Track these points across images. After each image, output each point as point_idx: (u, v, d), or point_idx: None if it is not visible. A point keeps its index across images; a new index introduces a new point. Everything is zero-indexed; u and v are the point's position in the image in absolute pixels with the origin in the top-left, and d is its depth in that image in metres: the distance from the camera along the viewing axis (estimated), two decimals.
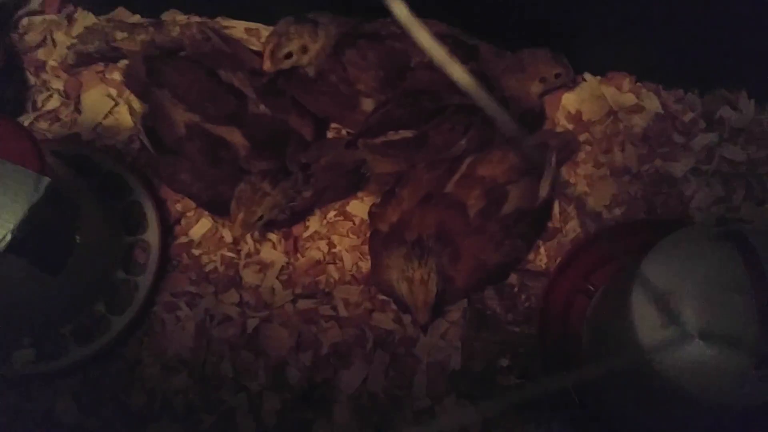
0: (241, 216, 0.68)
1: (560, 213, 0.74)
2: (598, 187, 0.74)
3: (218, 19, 0.81)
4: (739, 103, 0.75)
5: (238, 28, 0.80)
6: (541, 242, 0.73)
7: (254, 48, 0.77)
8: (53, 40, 0.83)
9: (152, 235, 0.74)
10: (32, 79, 0.83)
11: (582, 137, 0.76)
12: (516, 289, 0.71)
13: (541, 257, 0.72)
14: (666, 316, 0.50)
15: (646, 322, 0.51)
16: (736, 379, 0.48)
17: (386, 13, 0.78)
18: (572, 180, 0.74)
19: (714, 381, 0.48)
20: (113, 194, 0.75)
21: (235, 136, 0.71)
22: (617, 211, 0.73)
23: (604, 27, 0.72)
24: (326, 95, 0.72)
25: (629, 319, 0.51)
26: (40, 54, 0.83)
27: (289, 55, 0.70)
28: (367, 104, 0.72)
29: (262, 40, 0.78)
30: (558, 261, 0.70)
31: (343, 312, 0.72)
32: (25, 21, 0.84)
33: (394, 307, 0.72)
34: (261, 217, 0.69)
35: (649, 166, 0.74)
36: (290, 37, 0.70)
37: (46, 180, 0.59)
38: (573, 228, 0.73)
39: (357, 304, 0.73)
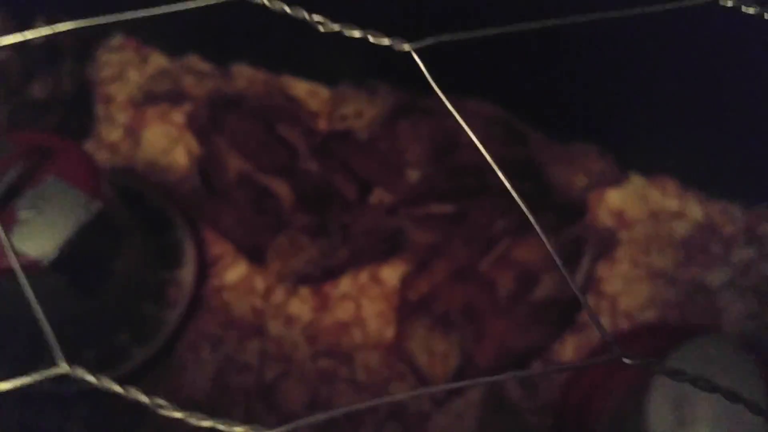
0: (276, 265, 0.70)
1: (592, 309, 0.73)
2: (632, 287, 0.73)
3: (283, 76, 0.84)
4: None
5: (300, 87, 0.83)
6: (568, 334, 0.72)
7: (313, 108, 0.80)
8: (126, 77, 0.88)
9: (187, 273, 0.75)
10: (101, 111, 0.87)
11: (621, 235, 0.76)
12: (537, 378, 0.70)
13: (567, 349, 0.71)
14: (681, 421, 0.50)
15: (662, 424, 0.50)
16: None
17: (443, 89, 0.80)
18: (607, 277, 0.74)
19: None
20: (157, 229, 0.77)
21: (282, 189, 0.73)
22: (649, 314, 0.72)
23: (656, 129, 0.73)
24: (374, 160, 0.74)
25: (645, 420, 0.51)
26: (112, 88, 0.87)
27: (344, 118, 0.73)
28: (413, 175, 0.74)
29: (321, 101, 0.82)
30: (584, 355, 0.70)
31: (361, 376, 0.72)
32: (103, 57, 0.89)
33: (412, 379, 0.71)
34: (295, 270, 0.70)
35: (685, 273, 0.74)
36: (348, 100, 0.72)
37: (98, 204, 0.62)
38: (604, 325, 0.72)
39: (376, 370, 0.72)
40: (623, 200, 0.77)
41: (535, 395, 0.69)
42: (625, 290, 0.74)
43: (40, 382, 0.63)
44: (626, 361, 0.20)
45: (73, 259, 0.61)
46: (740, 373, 0.50)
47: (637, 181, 0.78)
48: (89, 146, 0.85)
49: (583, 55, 0.71)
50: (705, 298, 0.72)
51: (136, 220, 0.76)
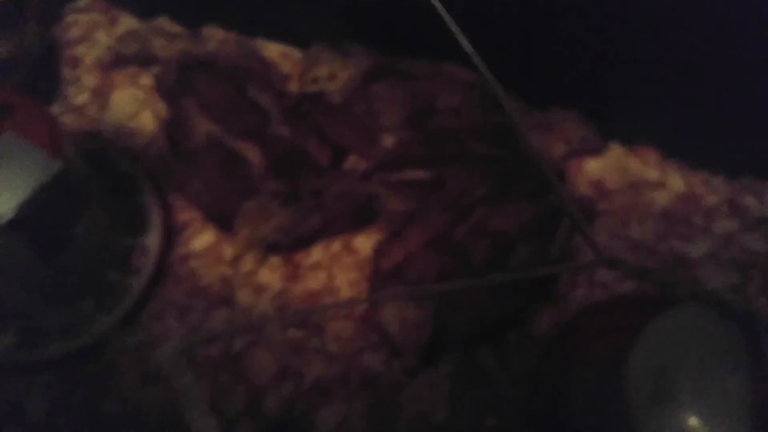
0: (245, 233, 0.68)
1: (568, 279, 0.71)
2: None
3: (255, 39, 0.82)
4: (765, 195, 0.74)
5: (273, 49, 0.81)
6: (544, 306, 0.70)
7: (285, 71, 0.78)
8: (94, 39, 0.85)
9: (153, 240, 0.73)
10: (67, 74, 0.84)
11: (600, 206, 0.74)
12: (513, 350, 0.68)
13: (543, 321, 0.70)
14: (660, 391, 0.48)
15: (640, 395, 0.48)
16: None
17: (419, 53, 0.78)
18: (585, 248, 0.72)
19: None
20: (123, 194, 0.74)
21: (252, 153, 0.70)
22: (628, 286, 0.71)
23: (637, 97, 0.71)
24: (348, 125, 0.72)
25: (622, 392, 0.49)
26: (79, 50, 0.85)
27: (316, 80, 0.70)
28: (388, 140, 0.71)
29: (293, 63, 0.79)
30: (559, 327, 0.68)
31: (332, 347, 0.70)
32: (70, 17, 0.86)
33: (385, 349, 0.69)
34: (265, 237, 0.68)
35: (665, 245, 0.72)
36: (320, 62, 0.70)
37: (58, 163, 0.59)
38: (580, 296, 0.71)
39: (348, 340, 0.70)
40: (602, 170, 0.75)
41: (509, 366, 0.67)
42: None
43: (7, 351, 0.60)
44: (611, 266, 0.18)
45: (33, 220, 0.58)
46: (724, 341, 0.48)
47: (617, 151, 0.76)
48: (55, 109, 0.82)
49: (564, 18, 0.69)
50: (685, 270, 0.71)
51: (101, 184, 0.73)
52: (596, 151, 0.74)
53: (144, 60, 0.82)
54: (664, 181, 0.75)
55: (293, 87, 0.73)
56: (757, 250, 0.72)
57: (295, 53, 0.80)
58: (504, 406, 0.66)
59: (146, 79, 0.82)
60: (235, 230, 0.69)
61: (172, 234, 0.75)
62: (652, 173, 0.75)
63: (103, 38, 0.85)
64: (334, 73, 0.71)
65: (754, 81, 0.67)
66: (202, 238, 0.75)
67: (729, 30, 0.65)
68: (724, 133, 0.71)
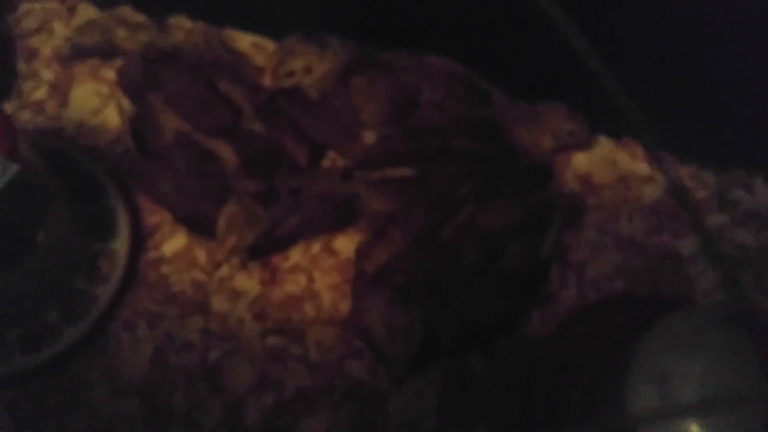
0: (232, 240, 0.65)
1: (558, 278, 0.69)
2: (601, 255, 0.70)
3: (225, 29, 0.77)
4: (755, 188, 0.72)
5: (244, 40, 0.77)
6: (534, 307, 0.68)
7: (258, 63, 0.74)
8: (51, 30, 0.80)
9: (121, 244, 0.69)
10: (22, 67, 0.79)
11: (589, 201, 0.72)
12: (503, 354, 0.66)
13: (534, 323, 0.67)
14: (663, 399, 0.46)
15: (642, 403, 0.46)
16: None
17: (401, 44, 0.75)
18: (574, 245, 0.70)
19: None
20: (87, 196, 0.70)
21: (225, 151, 0.67)
22: (619, 283, 0.69)
23: (626, 90, 0.69)
24: (327, 121, 0.68)
25: (623, 399, 0.47)
26: (35, 42, 0.80)
27: (291, 74, 0.66)
28: (369, 136, 0.68)
29: (267, 55, 0.75)
30: (551, 329, 0.66)
31: (314, 354, 0.67)
32: (24, 6, 0.81)
33: (370, 357, 0.66)
34: (249, 243, 0.65)
35: (655, 240, 0.70)
36: (295, 55, 0.66)
37: (15, 167, 0.55)
38: (570, 296, 0.68)
39: (330, 347, 0.67)
40: (591, 164, 0.73)
41: (500, 372, 0.65)
42: (592, 258, 0.70)
43: None
44: None
45: None
46: (730, 346, 0.46)
47: (606, 144, 0.74)
48: (11, 105, 0.77)
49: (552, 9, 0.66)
50: (676, 266, 0.69)
51: (63, 186, 0.69)
52: (584, 144, 0.72)
53: (106, 52, 0.77)
54: (653, 175, 0.73)
55: (267, 81, 0.70)
56: (748, 244, 0.70)
57: (269, 44, 0.76)
58: (495, 414, 0.64)
59: (108, 73, 0.78)
60: (219, 237, 0.66)
61: (140, 238, 0.71)
62: (641, 167, 0.73)
63: (61, 29, 0.80)
64: (310, 66, 0.67)
65: (743, 73, 0.66)
66: (173, 242, 0.71)
67: (718, 23, 0.64)
68: (712, 125, 0.69)
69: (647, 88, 0.69)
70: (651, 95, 0.69)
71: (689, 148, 0.73)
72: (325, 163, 0.72)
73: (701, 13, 0.63)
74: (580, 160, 0.73)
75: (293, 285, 0.69)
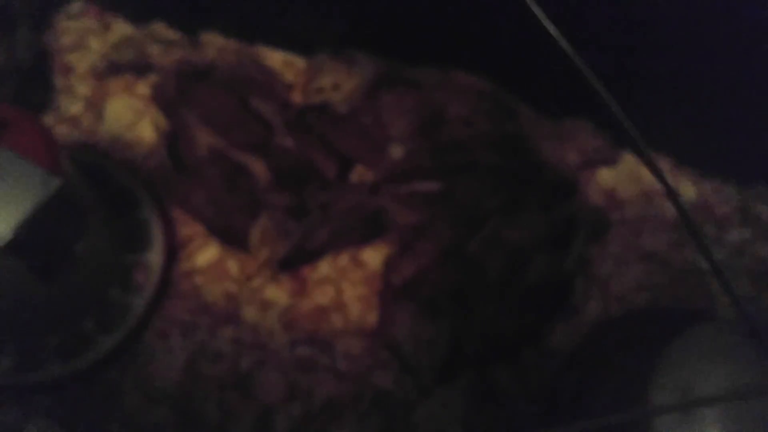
0: (265, 253, 0.66)
1: (582, 291, 0.70)
2: (624, 269, 0.71)
3: (256, 46, 0.79)
4: None
5: (275, 58, 0.78)
6: (558, 320, 0.69)
7: (289, 80, 0.76)
8: (87, 46, 0.82)
9: (155, 256, 0.70)
10: (60, 83, 0.81)
11: (613, 216, 0.73)
12: (528, 366, 0.67)
13: (558, 335, 0.68)
14: (686, 411, 0.47)
15: (665, 415, 0.47)
16: None
17: (428, 61, 0.76)
18: (599, 258, 0.71)
19: None
20: (122, 209, 0.72)
21: (257, 166, 0.68)
22: (642, 297, 0.70)
23: (650, 106, 0.70)
24: (355, 136, 0.70)
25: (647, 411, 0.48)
26: (71, 58, 0.82)
27: (321, 90, 0.68)
28: (397, 151, 0.70)
29: (297, 71, 0.77)
30: (576, 341, 0.67)
31: (342, 364, 0.69)
32: (61, 23, 0.83)
33: (397, 368, 0.68)
34: (281, 255, 0.66)
35: (678, 255, 0.71)
36: (324, 72, 0.68)
37: (57, 181, 0.57)
38: (594, 308, 0.69)
39: (358, 358, 0.69)
40: (615, 179, 0.74)
41: (526, 383, 0.66)
42: (616, 272, 0.71)
43: (5, 373, 0.57)
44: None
45: (31, 240, 0.56)
46: (753, 359, 0.47)
47: (629, 160, 0.75)
48: (48, 120, 0.79)
49: (576, 27, 0.68)
50: (699, 280, 0.70)
51: (100, 199, 0.71)
52: (609, 160, 0.73)
53: (140, 68, 0.79)
54: (677, 190, 0.74)
55: (297, 97, 0.71)
56: None
57: (298, 61, 0.78)
58: (520, 425, 0.65)
59: (143, 88, 0.79)
60: (252, 250, 0.68)
61: (174, 249, 0.72)
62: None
63: (97, 45, 0.82)
64: (339, 83, 0.69)
65: (764, 89, 0.66)
66: (206, 254, 0.72)
67: (740, 41, 0.64)
68: (734, 140, 0.70)
69: (670, 102, 0.70)
70: (674, 110, 0.70)
71: (712, 163, 0.74)
72: (354, 177, 0.74)
73: (727, 33, 0.64)
74: (605, 176, 0.74)
75: (322, 296, 0.71)
